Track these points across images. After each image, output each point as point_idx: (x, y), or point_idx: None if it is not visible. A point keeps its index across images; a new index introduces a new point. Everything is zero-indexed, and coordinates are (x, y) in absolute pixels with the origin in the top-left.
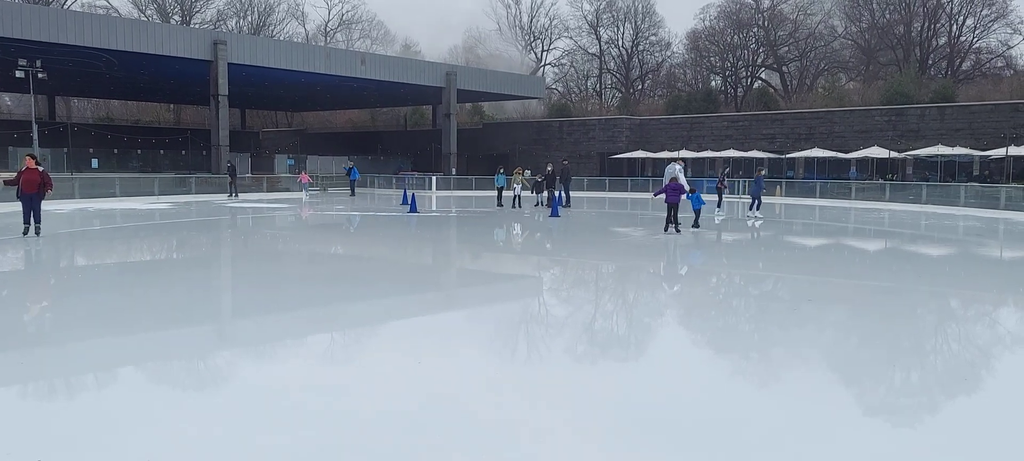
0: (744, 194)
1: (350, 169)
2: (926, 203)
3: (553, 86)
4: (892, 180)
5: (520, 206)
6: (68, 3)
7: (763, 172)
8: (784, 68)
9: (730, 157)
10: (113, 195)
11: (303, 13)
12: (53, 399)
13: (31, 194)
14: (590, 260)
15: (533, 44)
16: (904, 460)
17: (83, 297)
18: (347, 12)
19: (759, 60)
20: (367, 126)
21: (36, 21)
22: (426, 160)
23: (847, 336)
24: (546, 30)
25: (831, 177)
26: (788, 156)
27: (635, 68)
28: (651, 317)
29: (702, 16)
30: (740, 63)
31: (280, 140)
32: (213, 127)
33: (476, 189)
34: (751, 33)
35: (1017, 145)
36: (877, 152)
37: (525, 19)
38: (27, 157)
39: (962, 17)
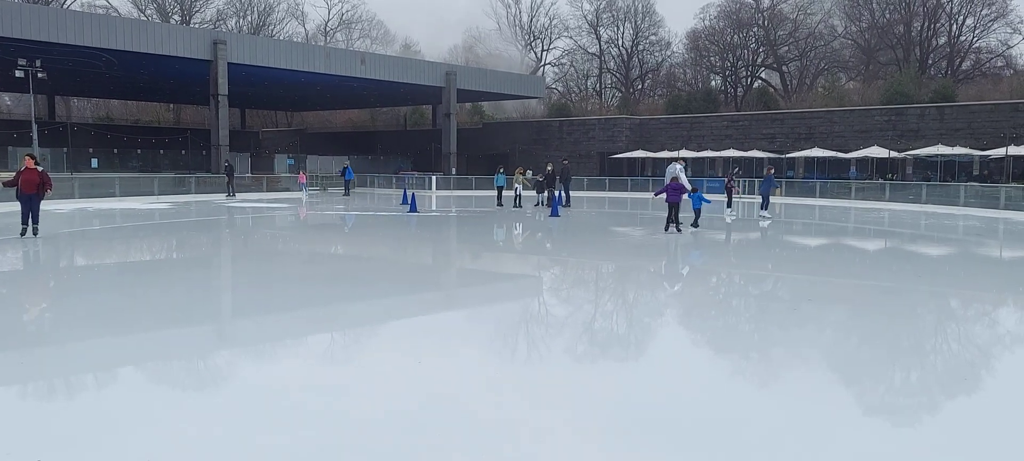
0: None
1: (344, 169)
2: (926, 203)
3: (553, 86)
4: (892, 180)
5: (521, 205)
6: (68, 3)
7: (772, 170)
8: (784, 68)
9: (733, 157)
10: (113, 195)
11: (303, 13)
12: (53, 399)
13: (30, 194)
14: (590, 260)
15: (533, 43)
16: (904, 460)
17: (83, 297)
18: (347, 12)
19: (759, 60)
20: (367, 126)
21: (36, 21)
22: (426, 160)
23: (847, 336)
24: (546, 29)
25: (831, 177)
26: (788, 156)
27: (635, 68)
28: (651, 317)
29: (702, 16)
30: (740, 63)
31: (280, 140)
32: (213, 127)
33: (476, 189)
34: (751, 33)
35: (1017, 145)
36: (877, 152)
37: (525, 18)
38: (27, 157)
39: (962, 17)
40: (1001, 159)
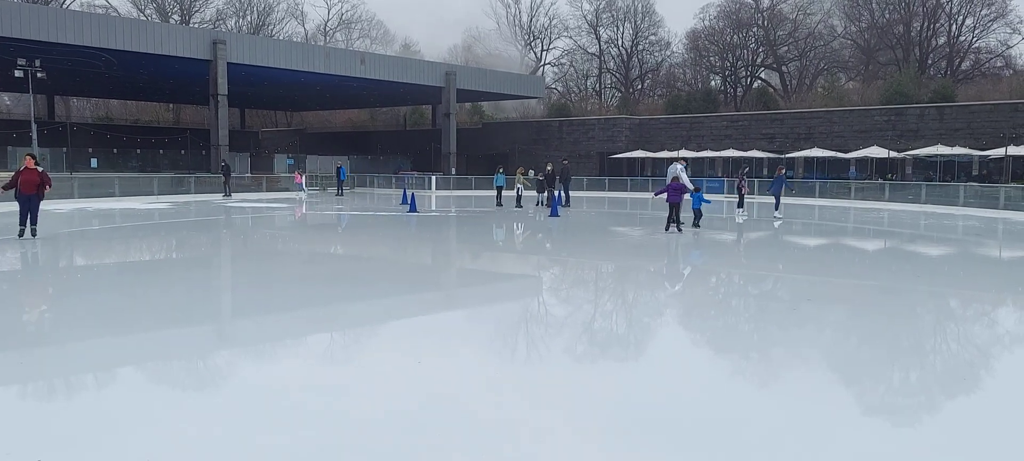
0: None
1: (339, 169)
2: (925, 203)
3: (553, 86)
4: (891, 180)
5: (522, 205)
6: (67, 2)
7: (783, 170)
8: (784, 68)
9: (732, 157)
10: (112, 195)
11: (302, 13)
12: (53, 399)
13: (29, 195)
14: (590, 260)
15: (532, 43)
16: (904, 460)
17: (83, 297)
18: (346, 12)
19: (759, 60)
20: (366, 126)
21: (35, 20)
22: (426, 160)
23: (847, 336)
24: (546, 29)
25: (830, 177)
26: (788, 156)
27: (635, 68)
28: (651, 317)
29: (702, 16)
30: (740, 63)
31: (279, 140)
32: (212, 127)
33: (476, 189)
34: (751, 33)
35: (1016, 145)
36: (876, 152)
37: (524, 18)
38: (26, 157)
39: (961, 17)
40: (1000, 159)
